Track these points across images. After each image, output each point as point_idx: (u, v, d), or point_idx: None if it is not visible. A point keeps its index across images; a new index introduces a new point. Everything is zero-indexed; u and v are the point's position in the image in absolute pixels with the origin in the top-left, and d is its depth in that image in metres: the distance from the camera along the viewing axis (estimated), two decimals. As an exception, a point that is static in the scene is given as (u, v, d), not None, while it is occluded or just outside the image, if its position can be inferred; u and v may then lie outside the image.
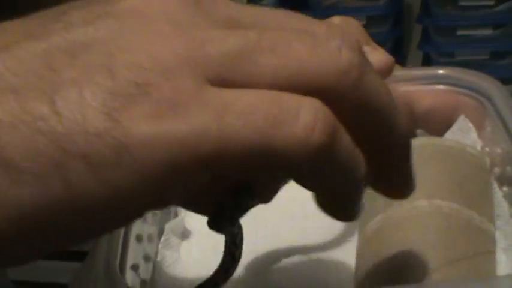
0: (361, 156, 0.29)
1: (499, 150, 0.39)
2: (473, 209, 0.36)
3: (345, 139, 0.29)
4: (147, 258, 0.40)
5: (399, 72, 0.45)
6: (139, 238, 0.39)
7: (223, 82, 0.28)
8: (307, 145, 0.27)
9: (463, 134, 0.41)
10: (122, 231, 0.37)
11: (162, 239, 0.42)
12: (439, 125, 0.43)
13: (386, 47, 1.54)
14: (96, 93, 0.26)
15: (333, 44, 0.29)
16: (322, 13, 1.57)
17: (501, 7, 1.50)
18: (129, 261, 0.37)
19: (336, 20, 0.45)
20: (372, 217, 0.38)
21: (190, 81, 0.27)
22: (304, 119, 0.27)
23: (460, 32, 1.53)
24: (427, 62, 1.57)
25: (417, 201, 0.36)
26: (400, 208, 0.36)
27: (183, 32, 0.28)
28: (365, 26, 1.60)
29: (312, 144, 0.27)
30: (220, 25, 0.29)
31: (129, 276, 0.36)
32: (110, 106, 0.26)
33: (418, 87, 0.45)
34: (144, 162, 0.26)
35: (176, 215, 0.45)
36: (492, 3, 1.49)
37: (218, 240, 0.42)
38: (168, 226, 0.43)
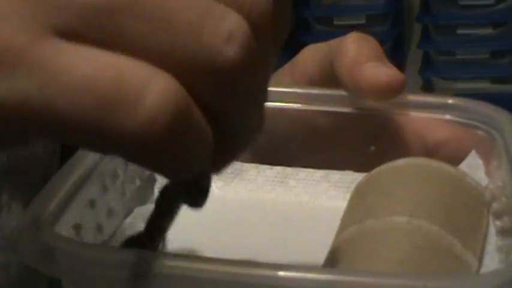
0: (209, 136, 0.26)
1: (499, 183, 0.37)
2: (456, 238, 0.34)
3: (196, 120, 0.25)
4: (99, 228, 0.39)
5: (409, 97, 0.43)
6: (92, 204, 0.38)
7: (74, 36, 0.24)
8: (149, 136, 0.24)
9: (471, 171, 0.40)
10: (65, 187, 0.36)
11: (127, 220, 0.42)
12: (448, 159, 0.40)
13: (386, 45, 1.54)
14: None
15: (224, 30, 0.25)
16: (322, 12, 1.57)
17: (501, 6, 1.49)
18: (71, 218, 0.36)
19: (352, 36, 0.43)
20: (348, 227, 0.37)
21: (28, 33, 0.24)
22: (149, 104, 0.24)
23: (460, 31, 1.52)
24: (427, 60, 1.57)
25: (397, 217, 0.35)
26: (376, 221, 0.35)
27: None
28: (365, 26, 1.60)
29: (155, 134, 0.24)
30: None
31: (66, 231, 0.35)
32: None
33: (428, 115, 0.42)
34: None
35: (152, 201, 0.44)
36: (492, 2, 1.49)
37: (190, 239, 0.41)
38: (138, 210, 0.42)
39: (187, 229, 0.42)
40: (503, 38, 1.51)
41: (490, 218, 0.37)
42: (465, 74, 1.55)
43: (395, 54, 1.58)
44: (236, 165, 0.46)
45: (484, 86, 1.55)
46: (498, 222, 0.36)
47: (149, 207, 0.42)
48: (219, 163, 0.28)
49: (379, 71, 0.41)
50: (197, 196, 0.30)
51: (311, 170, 0.45)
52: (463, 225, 0.35)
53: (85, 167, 0.38)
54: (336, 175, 0.44)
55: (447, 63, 1.56)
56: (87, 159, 0.39)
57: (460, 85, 1.55)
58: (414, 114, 0.43)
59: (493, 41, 1.52)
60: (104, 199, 0.40)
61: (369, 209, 0.37)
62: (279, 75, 0.48)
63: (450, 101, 0.42)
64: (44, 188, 0.36)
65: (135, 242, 0.32)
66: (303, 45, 0.47)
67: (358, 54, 0.42)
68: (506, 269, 0.31)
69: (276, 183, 0.45)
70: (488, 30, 1.52)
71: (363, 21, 1.54)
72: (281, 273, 0.29)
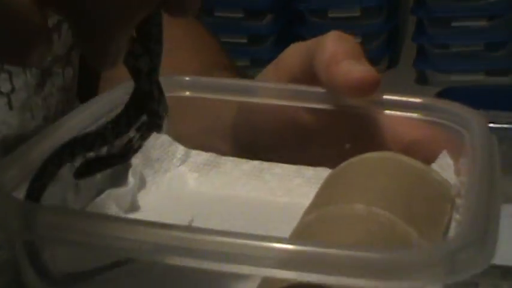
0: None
1: (464, 179, 0.38)
2: (414, 228, 0.35)
3: None
4: (63, 202, 0.40)
5: (381, 96, 0.43)
6: (56, 177, 0.38)
7: None
8: None
9: (442, 170, 0.41)
10: (32, 155, 0.37)
11: (97, 199, 0.42)
12: (423, 158, 0.41)
13: (381, 38, 1.54)
14: None
15: None
16: (317, 4, 1.57)
17: (495, -2, 1.50)
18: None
19: (331, 35, 0.45)
20: (309, 214, 0.37)
21: None
22: None
23: (454, 24, 1.52)
24: (421, 53, 1.57)
25: (355, 204, 0.35)
26: (335, 207, 0.36)
27: None
28: (359, 18, 1.60)
29: None
30: None
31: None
32: None
33: (400, 114, 0.43)
34: None
35: (125, 184, 0.44)
36: (487, -6, 1.49)
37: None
38: (111, 192, 0.43)
39: (157, 218, 0.42)
40: (498, 30, 1.51)
41: (455, 214, 0.38)
42: (460, 66, 1.55)
43: (390, 47, 1.58)
44: (213, 158, 0.47)
45: (479, 78, 1.55)
46: (457, 216, 0.37)
47: (125, 192, 0.43)
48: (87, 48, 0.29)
49: (353, 67, 0.42)
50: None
51: (287, 165, 0.46)
52: (422, 217, 0.36)
53: (54, 141, 0.38)
54: (310, 171, 0.45)
55: (442, 55, 1.56)
56: (59, 133, 0.39)
57: (455, 77, 1.55)
58: (387, 112, 0.44)
59: (487, 33, 1.52)
60: (70, 175, 0.40)
61: (330, 197, 0.38)
62: (264, 73, 0.49)
63: (420, 100, 0.43)
64: (10, 154, 0.36)
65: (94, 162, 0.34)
66: (298, 37, 0.48)
67: (336, 52, 0.43)
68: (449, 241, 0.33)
69: (251, 177, 0.46)
70: (482, 23, 1.52)
71: (357, 14, 1.54)
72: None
